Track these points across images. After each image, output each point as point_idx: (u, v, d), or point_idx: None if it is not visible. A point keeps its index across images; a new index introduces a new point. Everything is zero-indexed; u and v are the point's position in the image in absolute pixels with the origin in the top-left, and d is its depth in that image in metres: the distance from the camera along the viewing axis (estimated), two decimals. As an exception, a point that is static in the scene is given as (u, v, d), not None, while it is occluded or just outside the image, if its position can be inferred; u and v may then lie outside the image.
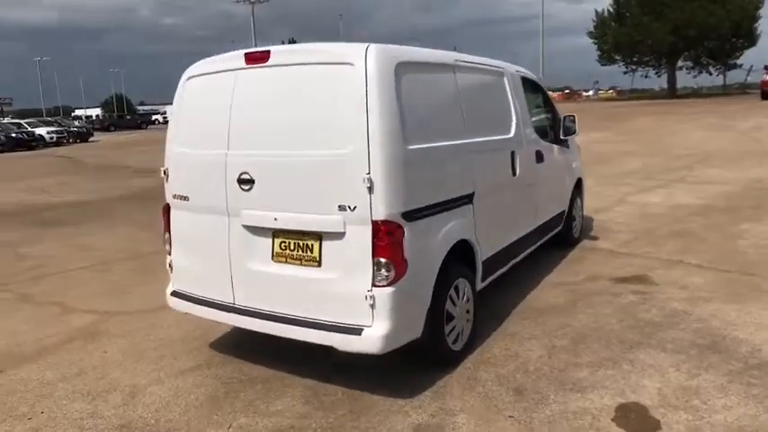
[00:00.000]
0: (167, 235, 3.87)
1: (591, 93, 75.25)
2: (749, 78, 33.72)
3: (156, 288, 5.63)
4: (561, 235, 5.97)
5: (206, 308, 3.60)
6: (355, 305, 3.02)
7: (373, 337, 2.98)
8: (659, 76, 38.84)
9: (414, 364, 3.54)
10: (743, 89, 32.99)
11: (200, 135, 3.57)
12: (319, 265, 3.13)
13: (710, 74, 36.79)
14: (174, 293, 3.83)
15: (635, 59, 36.58)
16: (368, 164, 2.91)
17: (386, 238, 2.92)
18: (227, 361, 3.88)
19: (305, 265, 3.18)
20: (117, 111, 65.54)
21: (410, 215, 3.04)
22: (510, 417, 3.03)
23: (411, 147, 3.06)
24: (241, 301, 3.44)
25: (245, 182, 3.29)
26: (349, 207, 2.97)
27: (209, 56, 3.68)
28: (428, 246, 3.23)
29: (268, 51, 3.26)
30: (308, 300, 3.16)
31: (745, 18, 29.87)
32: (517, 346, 3.87)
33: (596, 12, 36.26)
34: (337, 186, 3.01)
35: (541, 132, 5.21)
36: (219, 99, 3.44)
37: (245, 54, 3.33)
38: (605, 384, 3.30)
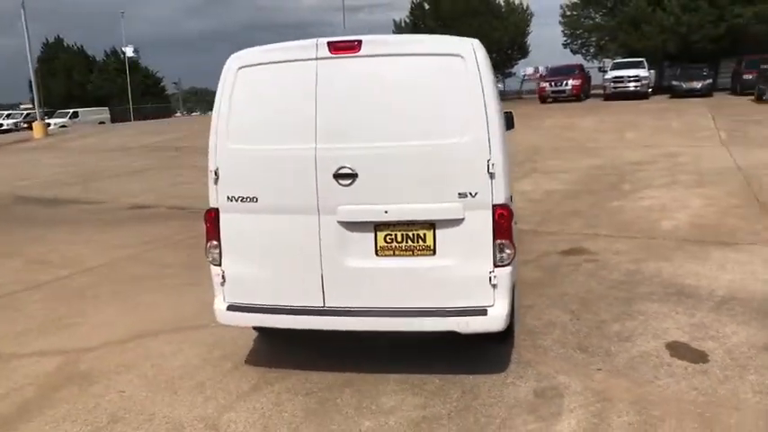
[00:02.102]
0: (214, 244, 3.48)
1: None
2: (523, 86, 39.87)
3: (104, 318, 4.89)
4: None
5: (283, 316, 3.35)
6: (476, 287, 3.17)
7: (498, 316, 3.17)
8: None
9: (463, 343, 3.70)
10: (518, 95, 38.69)
11: (272, 129, 3.31)
12: (434, 253, 3.19)
13: (489, 82, 42.44)
14: (233, 307, 3.46)
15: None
16: (489, 150, 3.09)
17: (505, 221, 3.14)
18: (285, 374, 3.65)
19: (417, 255, 3.20)
20: None
21: (510, 198, 3.29)
22: (599, 369, 3.48)
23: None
24: (334, 302, 3.29)
25: (346, 176, 3.18)
26: (470, 193, 3.11)
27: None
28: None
29: (360, 41, 3.19)
30: (423, 289, 3.20)
31: (519, 33, 35.36)
32: (545, 315, 4.34)
33: (395, 22, 39.23)
34: (457, 174, 3.12)
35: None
36: (297, 90, 3.25)
37: (330, 43, 3.21)
38: (639, 332, 3.95)
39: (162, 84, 55.98)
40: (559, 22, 34.27)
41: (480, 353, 3.76)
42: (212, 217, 3.46)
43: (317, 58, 3.23)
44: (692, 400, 3.09)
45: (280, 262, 3.36)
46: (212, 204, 3.47)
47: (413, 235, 3.20)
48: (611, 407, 3.07)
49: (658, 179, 9.42)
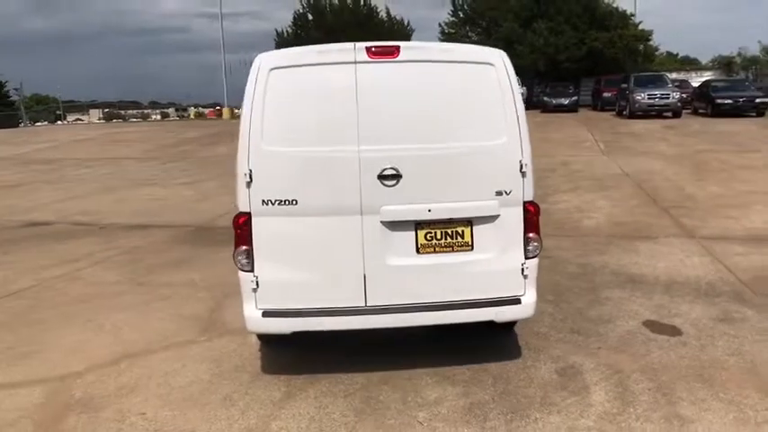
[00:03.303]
0: (244, 249, 3.38)
1: None
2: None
3: (71, 342, 4.47)
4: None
5: (324, 318, 3.36)
6: (510, 279, 3.44)
7: (530, 303, 3.48)
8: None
9: (473, 334, 4.04)
10: None
11: (311, 131, 3.34)
12: (471, 248, 3.40)
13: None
14: (269, 314, 3.39)
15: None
16: (521, 151, 3.38)
17: (534, 216, 3.45)
18: (311, 379, 3.63)
19: (457, 251, 3.39)
20: None
21: (534, 195, 3.61)
22: (599, 348, 3.92)
23: None
24: (376, 301, 3.37)
25: (390, 177, 3.29)
26: (505, 192, 3.37)
27: None
28: None
29: (398, 47, 3.34)
30: (462, 283, 3.39)
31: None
32: (529, 306, 4.73)
33: (276, 31, 39.08)
34: (494, 173, 3.37)
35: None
36: (336, 93, 3.32)
37: (368, 48, 3.31)
38: (615, 315, 4.48)
39: (6, 89, 49.81)
40: (438, 39, 36.27)
41: (491, 342, 4.03)
42: (243, 222, 3.37)
43: (355, 62, 3.32)
44: (686, 366, 3.62)
45: (320, 264, 3.37)
46: (243, 209, 3.38)
47: (452, 232, 3.40)
48: (627, 377, 3.49)
49: (563, 185, 10.45)
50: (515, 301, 3.45)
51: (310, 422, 3.19)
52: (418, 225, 3.38)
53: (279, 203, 3.33)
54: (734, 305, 4.58)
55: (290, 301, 3.40)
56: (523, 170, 3.41)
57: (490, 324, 3.67)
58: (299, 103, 3.37)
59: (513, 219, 3.43)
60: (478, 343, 4.05)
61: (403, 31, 37.23)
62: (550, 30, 29.82)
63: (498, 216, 3.41)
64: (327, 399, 3.42)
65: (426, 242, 3.39)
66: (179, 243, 7.51)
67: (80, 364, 4.02)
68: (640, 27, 31.07)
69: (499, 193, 3.39)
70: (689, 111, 22.04)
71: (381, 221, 3.34)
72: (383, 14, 37.66)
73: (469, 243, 3.41)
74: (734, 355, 3.73)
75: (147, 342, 4.36)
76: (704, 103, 21.00)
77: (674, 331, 4.14)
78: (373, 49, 3.33)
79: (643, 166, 11.71)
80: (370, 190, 3.30)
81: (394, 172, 3.30)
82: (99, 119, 54.12)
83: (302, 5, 37.19)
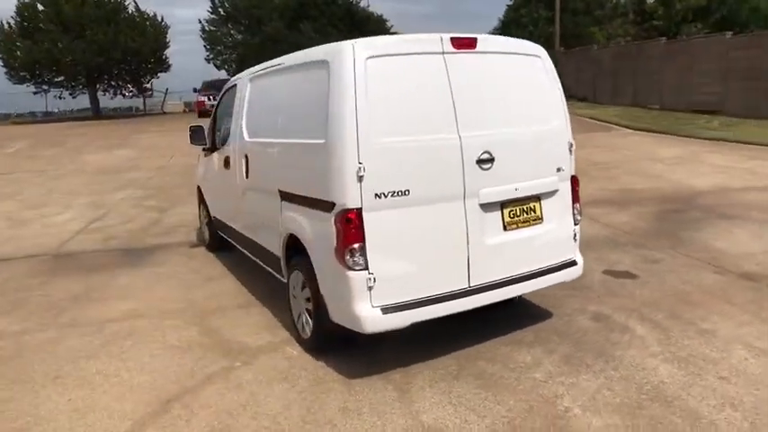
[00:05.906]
0: (357, 247, 3.27)
1: None
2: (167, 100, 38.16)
3: (68, 403, 3.64)
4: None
5: (436, 305, 3.47)
6: (567, 244, 4.02)
7: (581, 264, 4.11)
8: (74, 97, 38.45)
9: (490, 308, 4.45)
10: (162, 111, 36.69)
11: (416, 120, 3.40)
12: (542, 221, 3.85)
13: (124, 96, 39.37)
14: (388, 309, 3.33)
15: (47, 79, 34.86)
16: (568, 132, 3.98)
17: (577, 187, 4.08)
18: (407, 372, 3.65)
19: (532, 225, 3.80)
20: None
21: None
22: (599, 296, 4.75)
23: None
24: (476, 281, 3.58)
25: (486, 161, 3.54)
26: (561, 168, 3.93)
27: None
28: None
29: (475, 38, 3.60)
30: (538, 252, 3.84)
31: (159, 46, 33.98)
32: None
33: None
34: (554, 153, 3.90)
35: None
36: (431, 81, 3.45)
37: (452, 39, 3.51)
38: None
39: None
40: (200, 37, 34.71)
41: (513, 310, 4.51)
42: (354, 218, 3.26)
43: (443, 53, 3.51)
44: (666, 296, 4.66)
45: (430, 252, 3.47)
46: (352, 205, 3.27)
47: (527, 208, 3.82)
48: (642, 313, 4.37)
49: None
50: (573, 263, 4.06)
51: (454, 407, 3.28)
52: (503, 204, 3.71)
53: (392, 195, 3.32)
54: (643, 251, 5.93)
55: (405, 294, 3.42)
56: (571, 149, 4.01)
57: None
58: (400, 93, 3.42)
59: (565, 191, 4.02)
60: (505, 312, 4.50)
61: (158, 28, 34.49)
62: (316, 31, 31.06)
63: (557, 190, 3.95)
64: (443, 384, 3.52)
65: (511, 219, 3.75)
66: (55, 276, 6.19)
67: (118, 423, 3.31)
68: (392, 31, 34.48)
69: (558, 170, 3.94)
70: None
71: (479, 203, 3.59)
72: (132, 8, 34.29)
73: (540, 216, 3.88)
74: (685, 284, 4.94)
75: (172, 381, 3.75)
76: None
77: (629, 275, 5.24)
78: (457, 40, 3.56)
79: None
80: (471, 174, 3.53)
81: (489, 156, 3.58)
82: None
83: (31, -5, 31.54)
